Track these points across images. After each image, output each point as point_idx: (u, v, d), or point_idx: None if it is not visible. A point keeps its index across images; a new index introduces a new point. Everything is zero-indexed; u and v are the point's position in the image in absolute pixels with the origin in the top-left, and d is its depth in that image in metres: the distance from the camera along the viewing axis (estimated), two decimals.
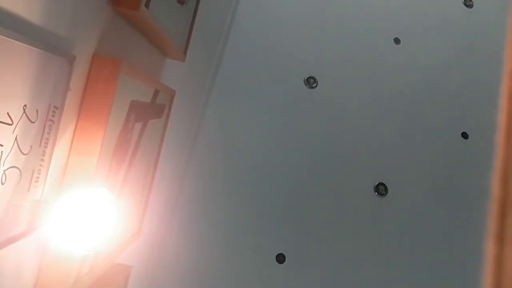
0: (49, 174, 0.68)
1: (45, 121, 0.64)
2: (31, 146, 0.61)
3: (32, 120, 0.60)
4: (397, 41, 2.05)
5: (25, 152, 0.60)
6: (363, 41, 2.04)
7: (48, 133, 0.65)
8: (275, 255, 1.80)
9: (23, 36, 0.54)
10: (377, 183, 1.89)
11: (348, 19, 2.07)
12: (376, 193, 1.88)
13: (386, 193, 1.88)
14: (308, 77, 1.98)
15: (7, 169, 0.56)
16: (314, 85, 1.97)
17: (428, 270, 1.82)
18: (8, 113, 0.54)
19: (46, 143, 0.65)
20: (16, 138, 0.57)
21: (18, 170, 0.59)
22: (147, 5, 0.83)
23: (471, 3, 2.12)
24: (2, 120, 0.53)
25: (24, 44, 0.54)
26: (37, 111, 0.61)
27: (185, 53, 1.21)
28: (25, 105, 0.58)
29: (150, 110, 1.08)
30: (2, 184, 0.56)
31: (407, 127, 1.96)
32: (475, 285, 1.76)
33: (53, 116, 0.65)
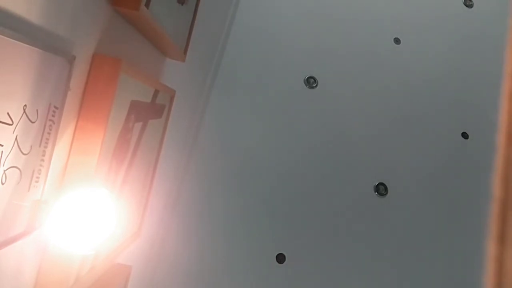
0: (49, 174, 0.68)
1: (45, 121, 0.63)
2: (31, 146, 0.61)
3: (32, 120, 0.60)
4: (397, 41, 2.05)
5: (25, 152, 0.60)
6: (363, 41, 2.04)
7: (48, 133, 0.65)
8: (275, 255, 1.80)
9: (23, 36, 0.54)
10: (377, 183, 1.89)
11: (349, 19, 2.07)
12: (376, 193, 1.88)
13: (386, 193, 1.88)
14: (308, 77, 1.98)
15: (7, 169, 0.56)
16: (314, 85, 1.97)
17: (429, 270, 1.82)
18: (8, 113, 0.54)
19: (46, 143, 0.65)
20: (16, 138, 0.57)
21: (18, 170, 0.59)
22: (147, 5, 0.83)
23: (471, 3, 2.12)
24: (2, 120, 0.53)
25: (24, 44, 0.54)
26: (37, 111, 0.61)
27: (185, 53, 1.21)
28: (25, 105, 0.57)
29: (150, 110, 1.08)
30: (2, 184, 0.56)
31: (407, 127, 1.96)
32: (477, 285, 1.76)
33: (53, 116, 0.65)
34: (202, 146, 1.87)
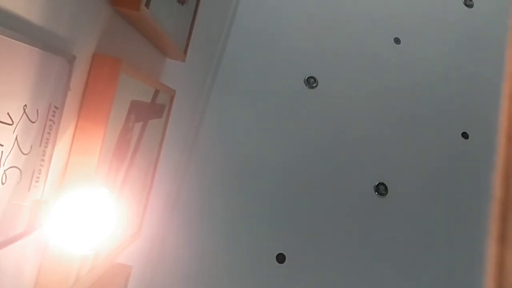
0: (49, 174, 0.67)
1: (45, 121, 0.63)
2: (31, 146, 0.61)
3: (33, 120, 0.60)
4: (397, 41, 2.05)
5: (25, 152, 0.60)
6: (364, 41, 2.04)
7: (49, 133, 0.65)
8: (275, 255, 1.80)
9: (23, 36, 0.54)
10: (377, 183, 1.89)
11: (349, 19, 2.07)
12: (376, 193, 1.88)
13: (386, 193, 1.88)
14: (308, 77, 1.98)
15: (7, 169, 0.56)
16: (314, 85, 1.97)
17: (429, 270, 1.82)
18: (8, 113, 0.54)
19: (47, 143, 0.65)
20: (16, 138, 0.57)
21: (18, 170, 0.59)
22: (147, 5, 0.83)
23: (471, 3, 2.12)
24: (2, 120, 0.53)
25: (24, 44, 0.54)
26: (37, 111, 0.61)
27: (185, 53, 1.21)
28: (25, 105, 0.57)
29: (150, 110, 1.08)
30: (3, 184, 0.56)
31: (407, 127, 1.96)
32: (477, 286, 1.76)
33: (53, 116, 0.65)
34: (202, 146, 1.87)
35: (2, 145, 0.54)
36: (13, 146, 0.57)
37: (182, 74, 1.41)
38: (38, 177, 0.64)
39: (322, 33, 2.04)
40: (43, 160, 0.65)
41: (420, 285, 1.81)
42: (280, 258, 1.80)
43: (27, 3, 0.56)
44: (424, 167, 1.92)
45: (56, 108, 0.66)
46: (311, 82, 1.97)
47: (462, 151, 1.94)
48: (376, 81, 2.00)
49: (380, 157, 1.92)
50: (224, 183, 1.85)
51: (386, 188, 1.88)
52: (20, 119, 0.57)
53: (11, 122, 0.55)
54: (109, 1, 0.78)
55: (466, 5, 2.12)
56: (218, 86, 1.93)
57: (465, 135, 1.96)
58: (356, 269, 1.81)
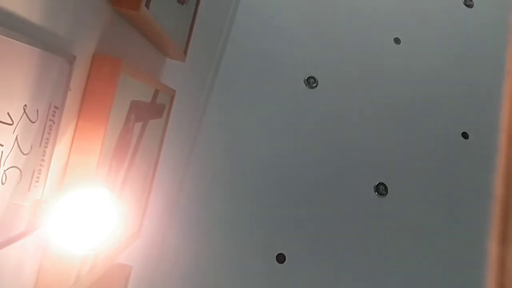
0: (50, 174, 0.67)
1: (46, 121, 0.63)
2: (31, 146, 0.61)
3: (33, 120, 0.60)
4: (397, 41, 2.05)
5: (25, 152, 0.60)
6: (364, 41, 2.04)
7: (49, 133, 0.65)
8: (275, 255, 1.80)
9: (23, 36, 0.54)
10: (377, 183, 1.89)
11: (349, 19, 2.07)
12: (376, 193, 1.88)
13: (386, 193, 1.88)
14: (308, 77, 1.98)
15: (7, 169, 0.56)
16: (314, 85, 1.97)
17: (430, 270, 1.81)
18: (8, 113, 0.54)
19: (47, 143, 0.65)
20: (16, 138, 0.57)
21: (18, 170, 0.59)
22: (147, 5, 0.83)
23: (471, 3, 2.12)
24: (2, 120, 0.53)
25: (24, 44, 0.54)
26: (37, 111, 0.61)
27: (185, 53, 1.21)
28: (25, 105, 0.57)
29: (150, 110, 1.08)
30: (3, 184, 0.56)
31: (407, 127, 1.96)
32: (478, 286, 1.76)
33: (53, 116, 0.65)
34: (202, 146, 1.87)
35: (2, 145, 0.54)
36: (13, 146, 0.57)
37: (182, 74, 1.41)
38: (38, 177, 0.64)
39: (322, 33, 2.04)
40: (43, 160, 0.65)
41: (421, 285, 1.81)
42: (280, 258, 1.80)
43: (27, 3, 0.56)
44: (424, 167, 1.92)
45: (56, 108, 0.66)
46: (311, 82, 1.97)
47: (462, 151, 1.94)
48: (376, 81, 2.00)
49: (380, 157, 1.92)
50: (224, 183, 1.85)
51: (386, 188, 1.88)
52: (20, 119, 0.57)
53: (11, 122, 0.55)
54: (109, 1, 0.78)
55: (466, 5, 2.12)
56: (218, 86, 1.94)
57: (465, 135, 1.96)
58: (356, 269, 1.81)
